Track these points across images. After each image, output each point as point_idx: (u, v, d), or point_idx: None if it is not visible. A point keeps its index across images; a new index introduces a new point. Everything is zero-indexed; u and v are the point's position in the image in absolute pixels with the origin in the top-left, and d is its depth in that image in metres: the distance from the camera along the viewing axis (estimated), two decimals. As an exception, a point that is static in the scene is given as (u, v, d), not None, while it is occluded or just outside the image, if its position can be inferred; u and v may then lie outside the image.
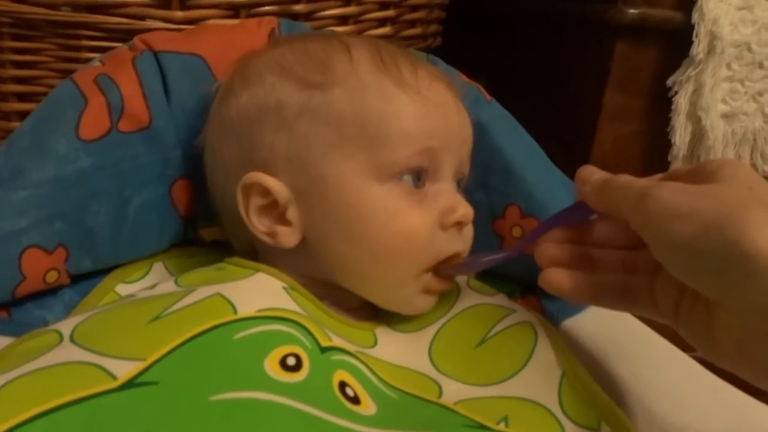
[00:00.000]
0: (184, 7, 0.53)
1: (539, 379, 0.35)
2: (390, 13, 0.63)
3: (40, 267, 0.37)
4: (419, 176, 0.36)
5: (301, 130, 0.36)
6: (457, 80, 0.47)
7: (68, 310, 0.39)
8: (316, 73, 0.36)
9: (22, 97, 0.54)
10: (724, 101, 0.64)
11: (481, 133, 0.44)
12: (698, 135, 0.65)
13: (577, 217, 0.35)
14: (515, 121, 0.48)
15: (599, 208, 0.33)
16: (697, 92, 0.63)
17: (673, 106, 0.64)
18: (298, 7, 0.57)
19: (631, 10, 0.63)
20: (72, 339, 0.29)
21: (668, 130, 0.65)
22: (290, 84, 0.36)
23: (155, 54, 0.42)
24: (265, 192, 0.36)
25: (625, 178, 0.31)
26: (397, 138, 0.35)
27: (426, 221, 0.36)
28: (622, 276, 0.34)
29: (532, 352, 0.36)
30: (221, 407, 0.26)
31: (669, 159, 0.66)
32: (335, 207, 0.35)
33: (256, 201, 0.36)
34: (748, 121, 0.66)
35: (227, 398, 0.26)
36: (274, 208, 0.36)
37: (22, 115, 0.54)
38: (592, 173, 0.34)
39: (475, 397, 0.34)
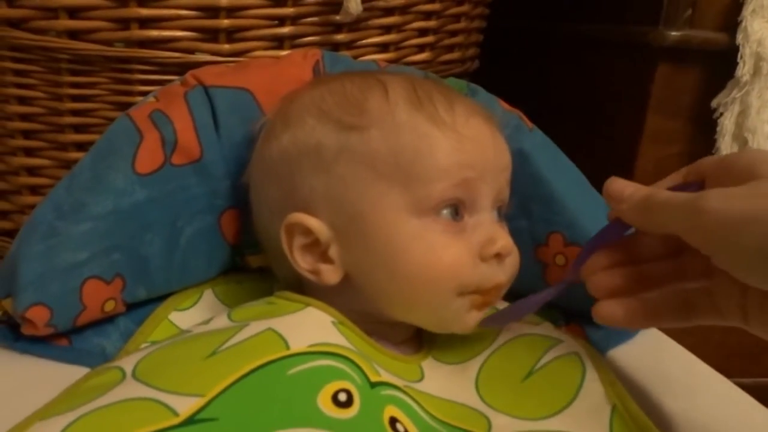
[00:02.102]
0: (230, 40, 0.55)
1: (589, 413, 0.34)
2: (429, 39, 0.64)
3: (99, 297, 0.39)
4: (457, 210, 0.36)
5: (339, 171, 0.36)
6: (497, 109, 0.47)
7: (124, 338, 0.40)
8: (353, 114, 0.37)
9: (78, 128, 0.57)
10: (770, 123, 0.63)
11: (523, 161, 0.44)
12: (744, 156, 0.64)
13: (617, 236, 0.35)
14: (557, 149, 0.48)
15: (644, 228, 0.32)
16: (743, 114, 0.62)
17: (717, 128, 0.63)
18: (340, 37, 0.58)
19: (673, 32, 0.63)
20: (134, 375, 0.30)
21: (713, 152, 0.64)
22: (328, 126, 0.37)
23: (206, 89, 0.44)
24: (307, 231, 0.37)
25: (664, 195, 0.30)
26: (431, 172, 0.35)
27: (465, 254, 0.36)
28: (675, 287, 0.33)
29: (581, 385, 0.36)
30: None
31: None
32: (374, 244, 0.36)
33: (299, 240, 0.37)
34: (795, 142, 0.64)
35: None
36: (316, 247, 0.37)
37: (79, 146, 0.57)
38: (623, 188, 0.33)
39: (524, 431, 0.34)
